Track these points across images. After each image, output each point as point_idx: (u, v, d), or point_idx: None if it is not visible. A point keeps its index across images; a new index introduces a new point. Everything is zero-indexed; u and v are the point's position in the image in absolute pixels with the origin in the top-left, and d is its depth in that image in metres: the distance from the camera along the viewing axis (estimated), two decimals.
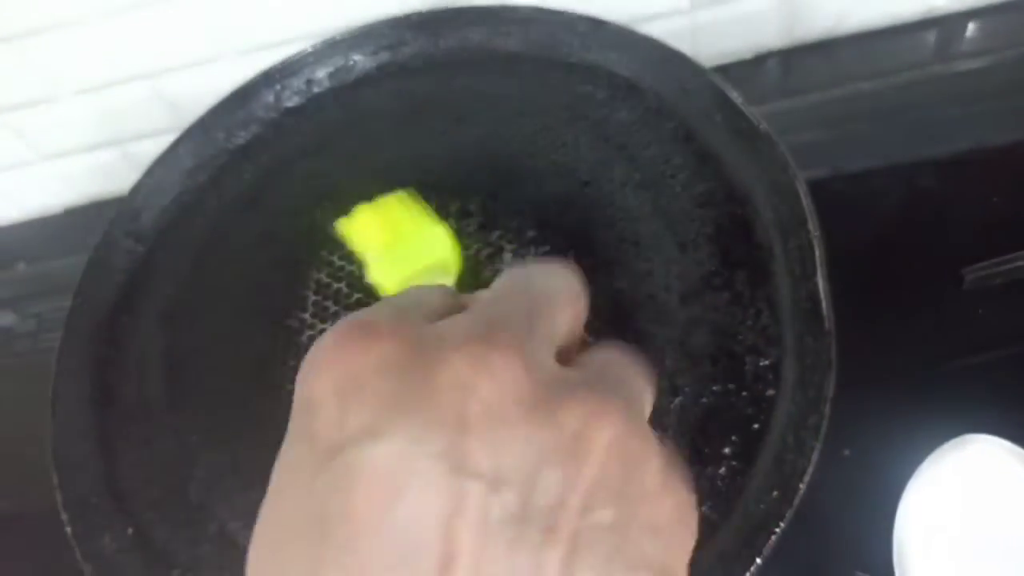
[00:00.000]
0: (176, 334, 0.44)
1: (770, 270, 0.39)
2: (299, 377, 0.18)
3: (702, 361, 0.38)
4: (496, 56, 0.48)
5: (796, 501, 0.33)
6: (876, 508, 0.38)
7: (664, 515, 0.18)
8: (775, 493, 0.34)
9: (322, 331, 0.43)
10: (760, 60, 0.59)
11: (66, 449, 0.41)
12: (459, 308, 0.20)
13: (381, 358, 0.17)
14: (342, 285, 0.44)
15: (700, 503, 0.20)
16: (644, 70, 0.45)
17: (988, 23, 0.56)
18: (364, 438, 0.16)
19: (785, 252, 0.38)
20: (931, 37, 0.56)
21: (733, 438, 0.36)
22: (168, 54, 0.57)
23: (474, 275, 0.42)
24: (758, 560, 0.33)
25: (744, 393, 0.37)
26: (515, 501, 0.16)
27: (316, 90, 0.50)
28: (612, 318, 0.40)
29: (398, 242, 0.41)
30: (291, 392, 0.43)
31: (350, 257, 0.45)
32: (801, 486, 0.33)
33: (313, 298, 0.44)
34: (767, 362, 0.37)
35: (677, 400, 0.37)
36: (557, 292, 0.20)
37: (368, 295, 0.44)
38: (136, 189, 0.48)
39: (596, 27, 0.47)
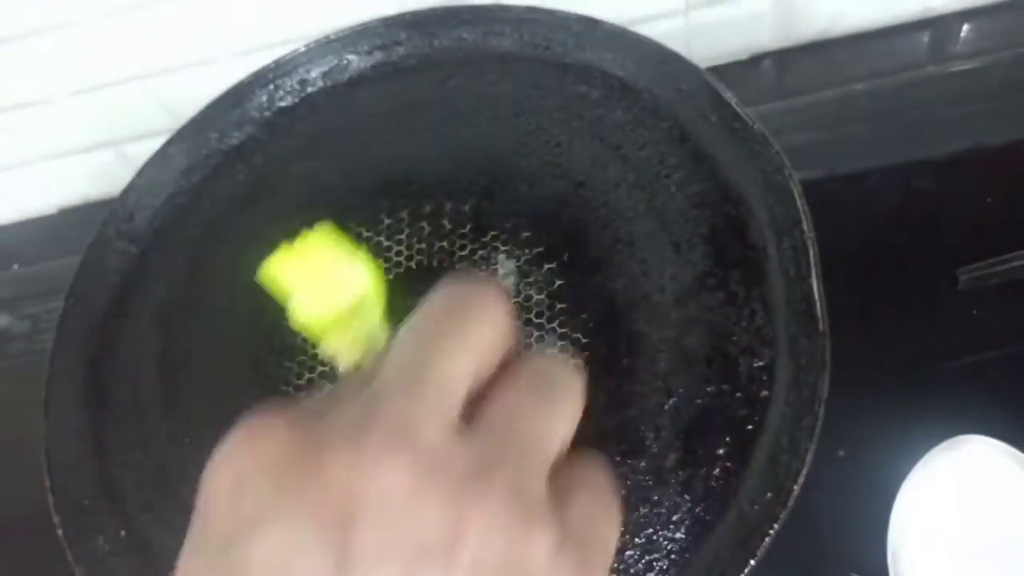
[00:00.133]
0: (170, 335, 0.44)
1: (764, 271, 0.38)
2: (201, 478, 0.19)
3: (696, 362, 0.38)
4: (490, 56, 0.48)
5: (790, 503, 0.33)
6: (870, 509, 0.38)
7: None
8: (769, 494, 0.34)
9: None
10: (755, 61, 0.59)
11: (59, 451, 0.41)
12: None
13: (269, 453, 0.18)
14: None
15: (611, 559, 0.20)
16: (639, 70, 0.45)
17: (983, 24, 0.56)
18: (248, 532, 0.17)
19: (779, 253, 0.38)
20: (926, 38, 0.56)
21: (727, 439, 0.36)
22: (164, 55, 0.57)
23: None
24: (752, 562, 0.33)
25: (738, 394, 0.37)
26: None
27: (310, 90, 0.50)
28: (606, 319, 0.40)
29: (317, 284, 0.40)
30: (285, 393, 0.43)
31: None
32: (795, 488, 0.33)
33: None
34: (761, 363, 0.37)
35: (671, 401, 0.37)
36: (455, 336, 0.20)
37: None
38: (129, 190, 0.47)
39: (591, 27, 0.46)
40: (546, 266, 0.42)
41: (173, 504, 0.40)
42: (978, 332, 0.43)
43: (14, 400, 0.54)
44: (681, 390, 0.37)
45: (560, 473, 0.20)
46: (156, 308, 0.45)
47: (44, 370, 0.43)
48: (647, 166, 0.43)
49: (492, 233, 0.43)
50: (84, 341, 0.44)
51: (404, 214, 0.45)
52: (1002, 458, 0.37)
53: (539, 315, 0.41)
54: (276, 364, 0.43)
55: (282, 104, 0.50)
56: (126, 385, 0.43)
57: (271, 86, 0.50)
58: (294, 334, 0.43)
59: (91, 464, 0.40)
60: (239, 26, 0.55)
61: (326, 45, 0.50)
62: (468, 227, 0.44)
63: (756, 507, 0.34)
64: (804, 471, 0.34)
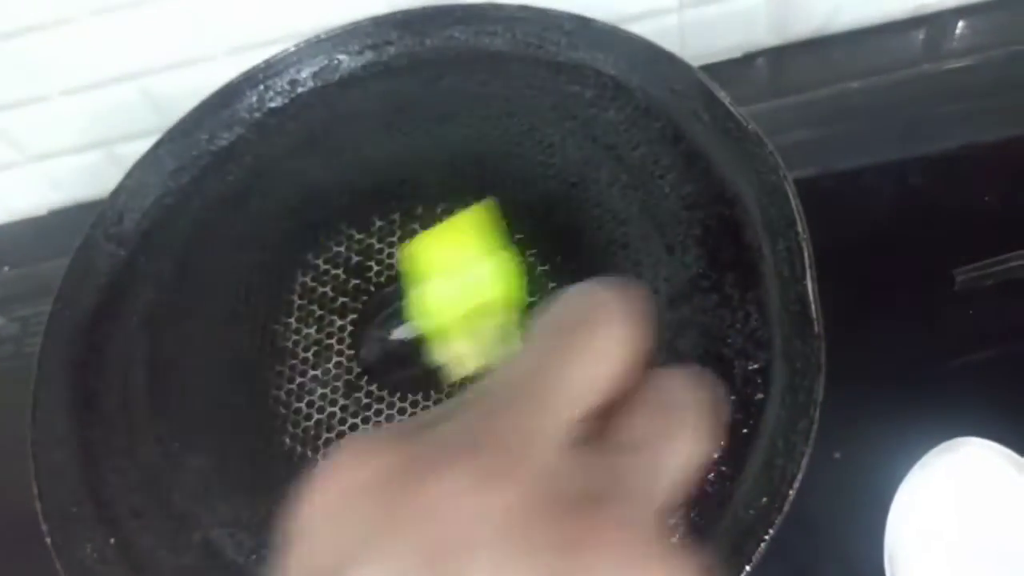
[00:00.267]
0: (159, 339, 0.44)
1: (759, 272, 0.38)
2: (296, 505, 0.18)
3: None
4: (482, 55, 0.48)
5: (786, 507, 0.33)
6: (867, 511, 0.38)
7: None
8: (765, 499, 0.34)
9: (307, 335, 0.43)
10: (749, 59, 0.58)
11: (46, 457, 0.40)
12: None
13: (372, 477, 0.17)
14: (327, 289, 0.44)
15: None
16: (632, 69, 0.45)
17: (978, 21, 0.55)
18: (356, 560, 0.16)
19: (774, 254, 0.38)
20: (921, 35, 0.56)
21: (722, 443, 0.35)
22: (155, 55, 0.56)
23: None
24: (748, 567, 0.33)
25: (733, 397, 0.36)
26: None
27: (300, 90, 0.49)
28: None
29: (454, 275, 0.38)
30: (276, 397, 0.43)
31: (335, 260, 0.44)
32: (791, 492, 0.33)
33: (298, 302, 0.44)
34: (756, 366, 0.36)
35: None
36: (583, 348, 0.18)
37: (354, 298, 0.43)
38: (117, 192, 0.47)
39: (583, 26, 0.46)
40: (540, 268, 0.42)
41: (162, 510, 0.39)
42: (975, 333, 0.43)
43: (4, 403, 0.53)
44: None
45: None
46: (145, 311, 0.44)
47: (33, 373, 0.43)
48: (640, 166, 0.43)
49: None
50: (72, 345, 0.43)
51: (396, 216, 0.45)
52: (999, 460, 0.37)
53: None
54: (266, 367, 0.42)
55: (272, 105, 0.49)
56: (114, 389, 0.42)
57: (261, 86, 0.49)
58: (285, 337, 0.43)
59: (79, 470, 0.40)
60: (229, 26, 0.55)
61: (316, 45, 0.49)
62: None
63: (752, 511, 0.34)
64: (800, 475, 0.33)
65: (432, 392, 0.40)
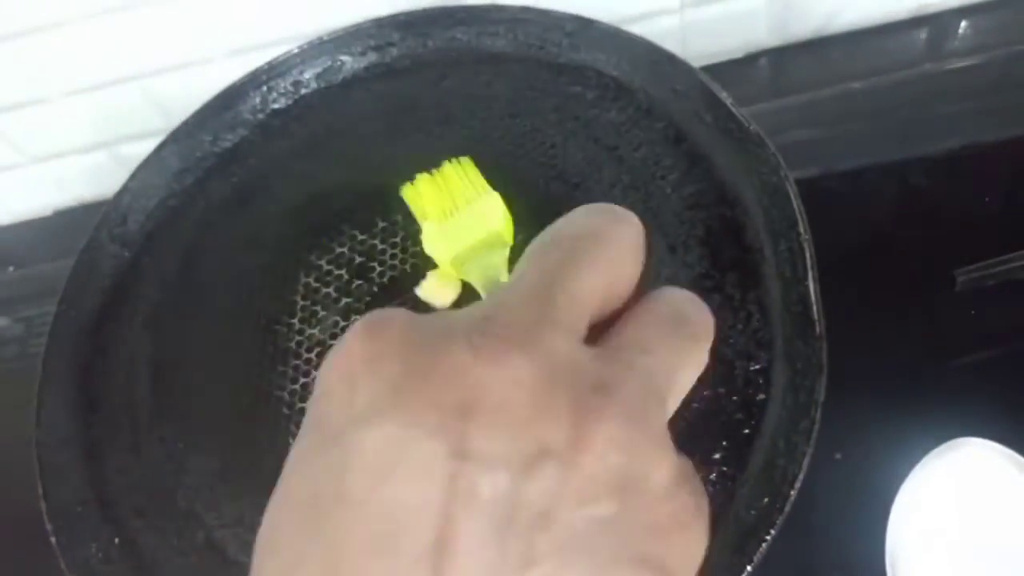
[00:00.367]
0: (162, 340, 0.44)
1: (761, 273, 0.38)
2: (319, 371, 0.18)
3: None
4: (484, 56, 0.48)
5: (787, 508, 0.33)
6: (868, 512, 0.38)
7: (667, 517, 0.17)
8: (766, 499, 0.34)
9: (310, 336, 0.43)
10: (751, 59, 0.58)
11: (51, 457, 0.40)
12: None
13: (389, 344, 0.17)
14: (330, 289, 0.44)
15: (713, 517, 0.19)
16: (634, 70, 0.45)
17: (980, 20, 0.55)
18: (363, 419, 0.16)
19: (776, 255, 0.38)
20: (923, 35, 0.56)
21: (724, 443, 0.36)
22: (158, 55, 0.57)
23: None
24: (749, 567, 0.33)
25: (735, 398, 0.36)
26: (509, 487, 0.16)
27: (303, 91, 0.50)
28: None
29: (453, 213, 0.41)
30: (279, 398, 0.43)
31: (338, 261, 0.45)
32: (792, 492, 0.33)
33: (301, 303, 0.44)
34: (758, 366, 0.37)
35: None
36: (587, 254, 0.19)
37: (357, 299, 0.43)
38: (121, 193, 0.47)
39: (585, 27, 0.46)
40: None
41: (167, 510, 0.40)
42: (976, 333, 0.43)
43: (9, 403, 0.53)
44: None
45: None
46: (149, 312, 0.45)
47: (38, 374, 0.43)
48: (642, 167, 0.43)
49: None
50: (76, 346, 0.43)
51: (398, 216, 0.45)
52: (1000, 461, 0.37)
53: None
54: (270, 367, 0.42)
55: (276, 106, 0.49)
56: (119, 390, 0.43)
57: (265, 88, 0.49)
58: (288, 338, 0.43)
59: (84, 470, 0.40)
60: (233, 27, 0.55)
61: (319, 46, 0.49)
62: None
63: (753, 512, 0.34)
64: (801, 476, 0.33)
65: None
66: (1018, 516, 0.36)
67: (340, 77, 0.50)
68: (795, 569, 0.39)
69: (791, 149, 0.51)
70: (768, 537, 0.33)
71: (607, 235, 0.19)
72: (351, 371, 0.17)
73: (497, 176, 0.45)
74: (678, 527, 0.18)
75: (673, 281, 0.40)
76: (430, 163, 0.45)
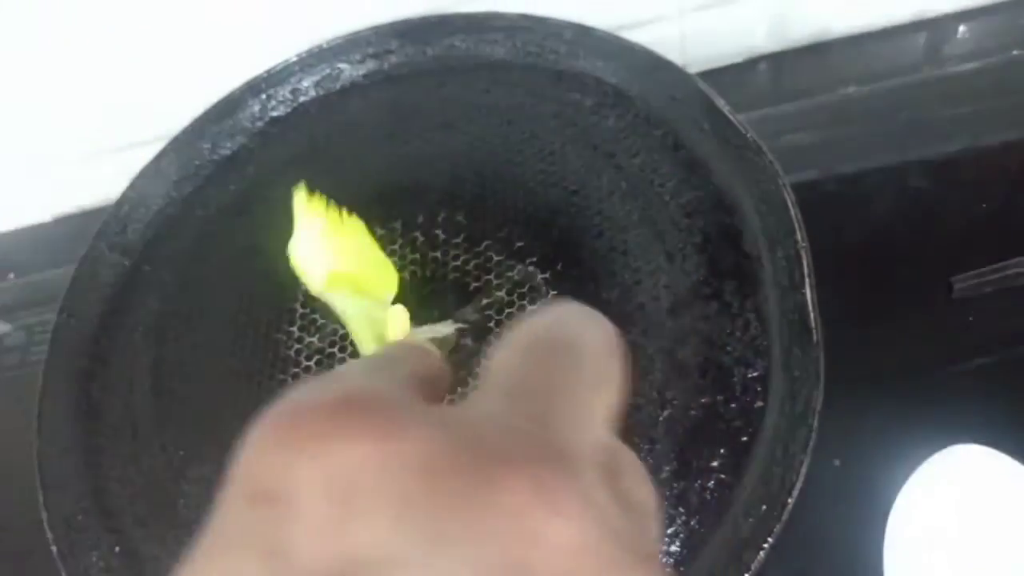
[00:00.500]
0: (163, 348, 0.44)
1: (758, 280, 0.38)
2: (246, 456, 0.14)
3: (690, 373, 0.38)
4: (483, 64, 0.48)
5: (785, 516, 0.33)
6: (866, 518, 0.38)
7: None
8: (764, 507, 0.34)
9: (309, 344, 0.43)
10: (751, 64, 0.58)
11: (52, 466, 0.41)
12: (444, 376, 0.16)
13: (399, 454, 0.13)
14: None
15: None
16: (632, 78, 0.45)
17: (979, 25, 0.55)
18: (383, 563, 0.12)
19: (773, 262, 0.38)
20: (921, 39, 0.56)
21: (721, 451, 0.36)
22: (157, 63, 0.57)
23: (461, 291, 0.42)
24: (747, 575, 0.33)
25: (732, 405, 0.36)
26: None
27: (302, 99, 0.50)
28: None
29: (338, 235, 0.38)
30: None
31: None
32: (790, 500, 0.33)
33: (301, 310, 0.44)
34: (755, 374, 0.37)
35: (665, 413, 0.37)
36: (610, 378, 0.16)
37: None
38: (121, 202, 0.47)
39: (583, 34, 0.46)
40: (540, 276, 0.42)
41: (168, 518, 0.40)
42: (974, 340, 0.43)
43: (10, 412, 0.53)
44: (675, 401, 0.37)
45: None
46: (149, 321, 0.45)
47: (38, 382, 0.43)
48: (640, 174, 0.43)
49: (486, 243, 0.43)
50: (77, 355, 0.44)
51: (397, 224, 0.45)
52: (998, 467, 0.37)
53: None
54: (270, 376, 0.43)
55: (274, 114, 0.50)
56: (119, 399, 0.43)
57: (263, 96, 0.50)
58: (287, 346, 0.43)
59: (84, 480, 0.40)
60: (231, 34, 0.55)
61: (318, 54, 0.49)
62: (462, 236, 0.44)
63: (751, 520, 0.34)
64: (799, 483, 0.34)
65: None
66: (1015, 522, 0.36)
67: (338, 85, 0.50)
68: (793, 574, 0.39)
69: (790, 153, 0.51)
70: (766, 545, 0.33)
71: (614, 351, 0.17)
72: (338, 481, 0.13)
73: (496, 183, 0.45)
74: None
75: (672, 288, 0.40)
76: (429, 169, 0.45)
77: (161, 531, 0.39)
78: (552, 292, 0.41)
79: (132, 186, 0.48)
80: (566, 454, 0.14)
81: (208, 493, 0.40)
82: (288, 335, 0.43)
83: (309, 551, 0.12)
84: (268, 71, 0.50)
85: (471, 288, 0.42)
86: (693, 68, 0.56)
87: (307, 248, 0.37)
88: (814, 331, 0.36)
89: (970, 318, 0.43)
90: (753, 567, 0.33)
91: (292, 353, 0.43)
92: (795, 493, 0.33)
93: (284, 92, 0.50)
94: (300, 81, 0.50)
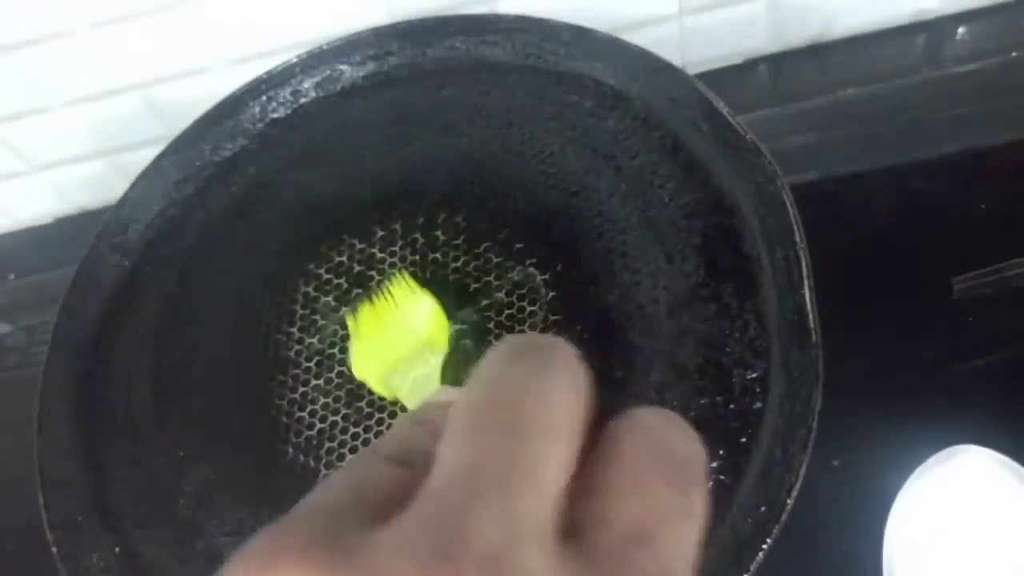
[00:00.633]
0: (163, 349, 0.44)
1: (757, 281, 0.38)
2: None
3: (689, 374, 0.38)
4: (482, 65, 0.48)
5: (784, 517, 0.33)
6: (866, 519, 0.38)
7: None
8: (763, 508, 0.34)
9: (309, 345, 0.43)
10: (750, 65, 0.58)
11: (52, 467, 0.41)
12: (412, 487, 0.14)
13: None
14: (329, 298, 0.44)
15: None
16: (631, 79, 0.45)
17: (978, 26, 0.55)
18: None
19: (772, 263, 0.38)
20: (920, 41, 0.56)
21: (721, 452, 0.36)
22: (158, 64, 0.57)
23: (461, 293, 0.42)
24: None
25: (732, 406, 0.37)
26: None
27: (302, 100, 0.50)
28: (600, 330, 0.40)
29: (382, 330, 0.40)
30: (279, 407, 0.43)
31: (337, 270, 0.45)
32: (789, 501, 0.33)
33: (301, 312, 0.44)
34: (754, 375, 0.37)
35: None
36: (544, 412, 0.14)
37: (356, 308, 0.44)
38: (121, 203, 0.47)
39: (582, 36, 0.46)
40: (539, 277, 0.42)
41: (167, 519, 0.40)
42: (973, 341, 0.43)
43: (10, 413, 0.54)
44: (674, 402, 0.37)
45: None
46: (149, 322, 0.45)
47: (39, 383, 0.43)
48: (640, 176, 0.43)
49: (485, 244, 0.43)
50: (77, 356, 0.44)
51: (397, 225, 0.45)
52: (997, 469, 0.37)
53: (532, 327, 0.40)
54: (270, 377, 0.43)
55: (275, 115, 0.50)
56: (120, 400, 0.43)
57: (264, 97, 0.50)
58: (287, 347, 0.43)
59: (85, 480, 0.41)
60: (232, 36, 0.55)
61: (318, 55, 0.50)
62: (461, 238, 0.44)
63: (750, 521, 0.34)
64: (798, 484, 0.34)
65: None
66: (1015, 523, 0.36)
67: (339, 86, 0.50)
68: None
69: (790, 154, 0.51)
70: (765, 546, 0.33)
71: (554, 381, 0.15)
72: None
73: (495, 184, 0.45)
74: None
75: (671, 289, 0.40)
76: (429, 171, 0.46)
77: (161, 531, 0.39)
78: (551, 293, 0.42)
79: (133, 187, 0.48)
80: (489, 546, 0.13)
81: (208, 494, 0.40)
82: (288, 336, 0.43)
83: None
84: (268, 72, 0.50)
85: (471, 289, 0.42)
86: (692, 70, 0.57)
87: (356, 366, 0.40)
88: (813, 332, 0.36)
89: (970, 319, 0.43)
90: (752, 568, 0.33)
91: (292, 354, 0.43)
92: (794, 494, 0.33)
93: (284, 93, 0.50)
94: (300, 82, 0.50)
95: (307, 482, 0.40)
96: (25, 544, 0.41)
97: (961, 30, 0.56)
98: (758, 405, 0.36)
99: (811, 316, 0.36)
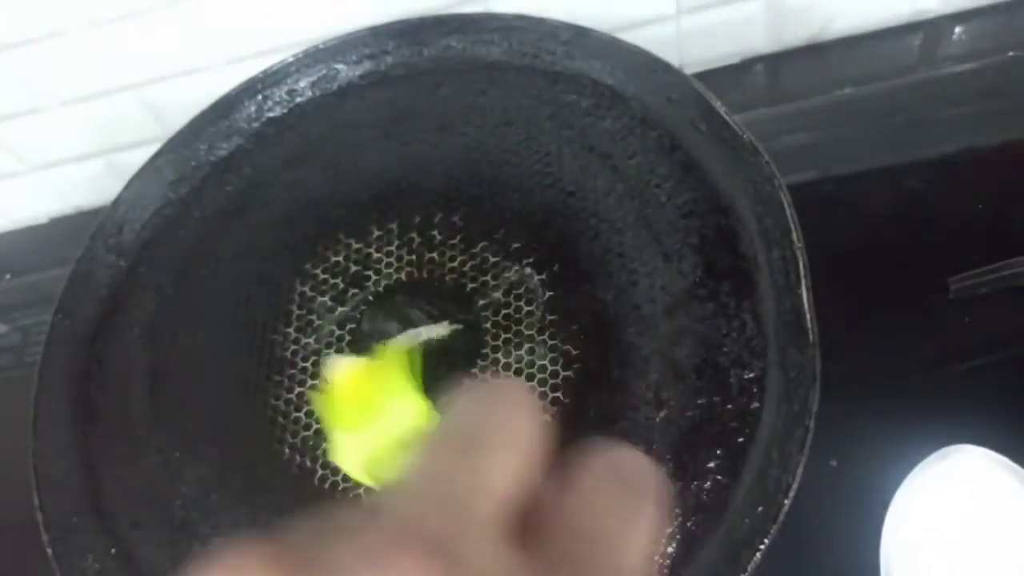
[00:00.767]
0: (159, 350, 0.44)
1: (754, 281, 0.38)
2: None
3: (687, 374, 0.38)
4: (479, 65, 0.48)
5: (781, 517, 0.33)
6: (863, 519, 0.38)
7: None
8: (760, 508, 0.34)
9: (306, 345, 0.43)
10: (747, 65, 0.58)
11: (47, 468, 0.41)
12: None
13: None
14: (326, 298, 0.44)
15: None
16: (628, 79, 0.45)
17: (975, 26, 0.55)
18: None
19: (769, 263, 0.38)
20: (918, 40, 0.56)
21: (718, 452, 0.36)
22: (154, 64, 0.57)
23: (458, 290, 0.42)
24: None
25: (729, 406, 0.36)
26: None
27: (299, 100, 0.50)
28: (597, 330, 0.40)
29: (366, 419, 0.37)
30: (275, 407, 0.43)
31: (333, 270, 0.45)
32: (786, 501, 0.33)
33: (297, 312, 0.44)
34: (752, 375, 0.37)
35: (662, 414, 0.37)
36: (491, 435, 0.16)
37: (352, 308, 0.43)
38: (117, 203, 0.47)
39: (580, 35, 0.46)
40: (536, 277, 0.42)
41: (163, 520, 0.40)
42: (970, 341, 0.43)
43: (6, 413, 0.53)
44: (672, 402, 0.37)
45: None
46: (145, 322, 0.45)
47: (34, 384, 0.43)
48: (637, 175, 0.43)
49: (482, 244, 0.43)
50: (72, 356, 0.44)
51: (393, 225, 0.45)
52: (994, 468, 0.37)
53: (529, 327, 0.40)
54: (266, 377, 0.43)
55: (271, 114, 0.50)
56: (115, 400, 0.43)
57: (260, 96, 0.50)
58: (283, 347, 0.43)
59: (80, 481, 0.40)
60: (228, 36, 0.55)
61: (314, 55, 0.49)
62: (458, 238, 0.44)
63: (747, 521, 0.34)
64: (795, 484, 0.34)
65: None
66: (1013, 523, 0.36)
67: (335, 85, 0.50)
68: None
69: (787, 154, 0.51)
70: (762, 546, 0.33)
71: (499, 410, 0.16)
72: None
73: (492, 184, 0.45)
74: None
75: (668, 289, 0.40)
76: (425, 170, 0.45)
77: (157, 533, 0.39)
78: (548, 293, 0.41)
79: (128, 187, 0.48)
80: (434, 527, 0.14)
81: (204, 495, 0.40)
82: (284, 336, 0.43)
83: None
84: (265, 72, 0.50)
85: (468, 289, 0.42)
86: (689, 69, 0.56)
87: (336, 455, 0.37)
88: (810, 332, 0.36)
89: (967, 319, 0.43)
90: (750, 568, 0.33)
91: (288, 354, 0.43)
92: (792, 494, 0.33)
93: (281, 93, 0.50)
94: (297, 82, 0.50)
95: (303, 482, 0.40)
96: (20, 545, 0.40)
97: (958, 30, 0.56)
98: (755, 405, 0.36)
99: (808, 316, 0.36)
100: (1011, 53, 0.54)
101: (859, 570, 0.37)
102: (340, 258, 0.45)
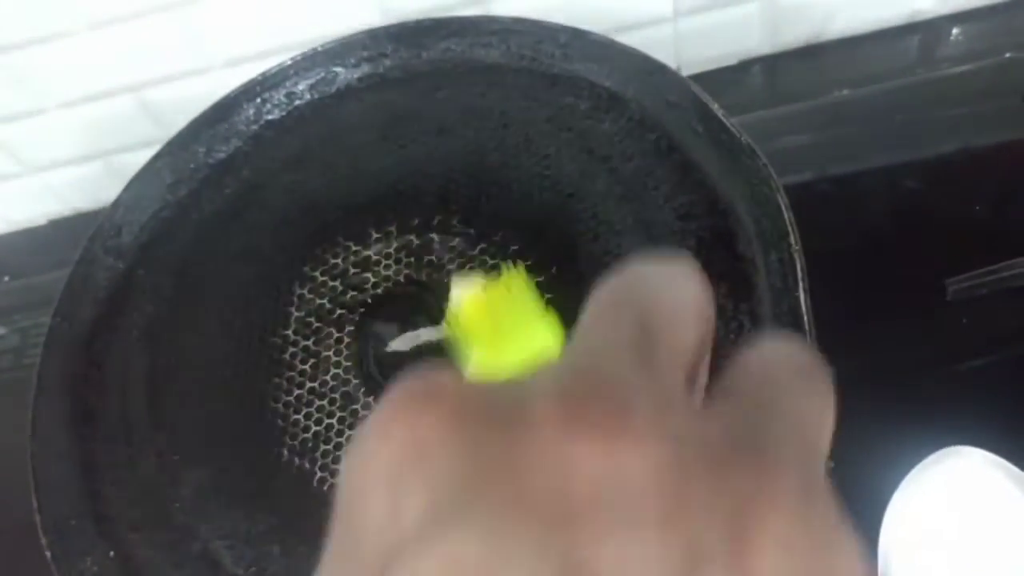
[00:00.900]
0: (157, 352, 0.44)
1: (752, 283, 0.38)
2: (344, 465, 0.13)
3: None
4: (478, 67, 0.48)
5: None
6: (861, 521, 0.38)
7: None
8: None
9: (304, 347, 0.43)
10: (745, 66, 0.58)
11: (46, 470, 0.40)
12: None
13: (442, 425, 0.13)
14: (324, 301, 0.44)
15: None
16: (627, 81, 0.45)
17: (972, 27, 0.56)
18: (422, 540, 0.11)
19: (767, 265, 0.38)
20: (915, 42, 0.56)
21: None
22: (152, 66, 0.57)
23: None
24: None
25: None
26: None
27: (297, 103, 0.50)
28: None
29: (500, 337, 0.37)
30: (274, 410, 0.43)
31: (332, 272, 0.45)
32: None
33: (296, 314, 0.44)
34: None
35: None
36: (679, 301, 0.15)
37: (351, 310, 0.44)
38: (115, 205, 0.47)
39: (578, 38, 0.46)
40: (535, 279, 0.42)
41: (162, 523, 0.40)
42: (968, 342, 0.43)
43: (4, 415, 0.53)
44: None
45: None
46: (143, 324, 0.45)
47: (32, 386, 0.43)
48: (635, 178, 0.43)
49: (480, 246, 0.43)
50: (71, 358, 0.43)
51: (392, 227, 0.45)
52: (992, 470, 0.37)
53: None
54: (265, 380, 0.43)
55: (269, 117, 0.49)
56: (114, 403, 0.43)
57: (258, 99, 0.50)
58: (282, 349, 0.43)
59: (79, 484, 0.40)
60: (226, 38, 0.55)
61: (313, 57, 0.49)
62: (456, 240, 0.44)
63: None
64: None
65: None
66: (1010, 525, 0.36)
67: (333, 88, 0.50)
68: None
69: (785, 155, 0.51)
70: None
71: (699, 297, 0.16)
72: (392, 470, 0.12)
73: (491, 186, 0.45)
74: None
75: None
76: (424, 173, 0.45)
77: (155, 535, 0.39)
78: (546, 296, 0.41)
79: (127, 189, 0.48)
80: (610, 388, 0.13)
81: (203, 497, 0.40)
82: (283, 338, 0.43)
83: (375, 539, 0.12)
84: (263, 74, 0.49)
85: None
86: (687, 71, 0.57)
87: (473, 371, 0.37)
88: (808, 334, 0.36)
89: (964, 320, 0.43)
90: None
91: (287, 356, 0.43)
92: None
93: (279, 95, 0.50)
94: (295, 84, 0.50)
95: (303, 485, 0.40)
96: (18, 548, 0.40)
97: (955, 31, 0.56)
98: None
99: (806, 318, 0.36)
100: (1008, 54, 0.54)
101: None
102: (339, 260, 0.45)
